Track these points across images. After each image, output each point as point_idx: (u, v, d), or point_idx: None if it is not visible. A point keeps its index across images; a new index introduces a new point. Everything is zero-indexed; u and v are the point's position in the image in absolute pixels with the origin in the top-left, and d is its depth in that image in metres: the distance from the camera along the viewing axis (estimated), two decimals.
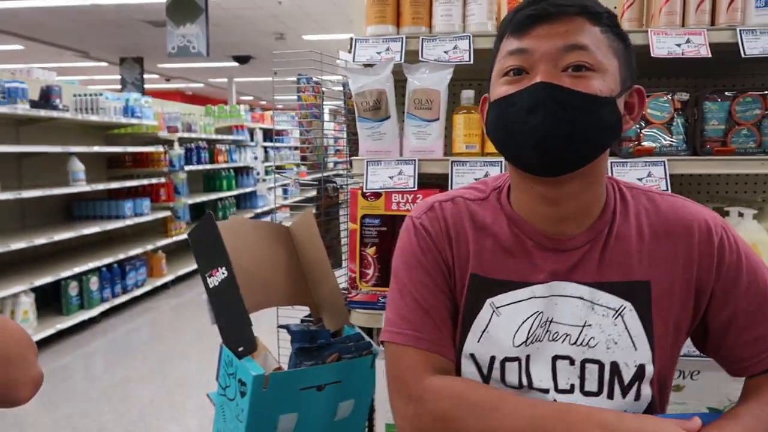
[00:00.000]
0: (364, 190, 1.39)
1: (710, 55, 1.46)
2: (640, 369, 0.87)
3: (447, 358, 0.91)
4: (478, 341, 0.90)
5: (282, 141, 10.28)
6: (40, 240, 4.57)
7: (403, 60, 1.56)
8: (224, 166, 8.21)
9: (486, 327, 0.90)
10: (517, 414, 0.80)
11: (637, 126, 1.54)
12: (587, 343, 0.87)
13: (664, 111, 1.54)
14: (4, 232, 4.77)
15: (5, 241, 4.34)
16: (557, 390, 0.88)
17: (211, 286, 1.28)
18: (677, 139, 1.53)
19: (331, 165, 2.12)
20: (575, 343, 0.88)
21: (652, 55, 1.48)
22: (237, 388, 1.20)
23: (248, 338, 1.21)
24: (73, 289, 4.95)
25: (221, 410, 1.28)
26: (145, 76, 12.41)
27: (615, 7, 1.67)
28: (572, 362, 0.88)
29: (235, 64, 12.88)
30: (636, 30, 1.56)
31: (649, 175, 1.45)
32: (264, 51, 12.13)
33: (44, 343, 4.51)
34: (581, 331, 0.87)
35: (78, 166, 5.20)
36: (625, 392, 0.87)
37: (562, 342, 0.88)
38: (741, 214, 1.52)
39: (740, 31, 1.47)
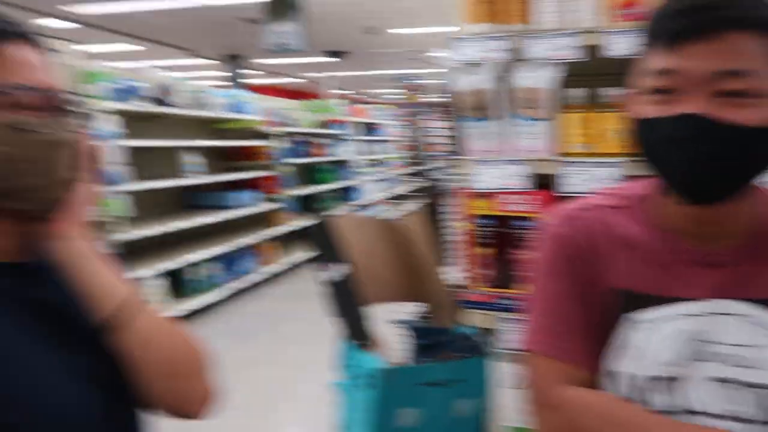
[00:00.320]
0: (474, 190, 1.42)
1: None
2: None
3: (586, 370, 0.87)
4: (620, 357, 0.85)
5: (379, 134, 10.43)
6: (162, 228, 4.91)
7: (507, 58, 1.56)
8: (323, 159, 8.46)
9: (629, 343, 0.84)
10: None
11: None
12: (751, 365, 0.79)
13: None
14: (133, 221, 5.13)
15: (136, 228, 4.69)
16: (709, 414, 0.80)
17: (329, 279, 1.36)
18: None
19: (435, 162, 2.16)
20: (737, 364, 0.80)
21: None
22: (357, 380, 1.28)
23: (367, 332, 1.28)
24: (192, 274, 5.30)
25: (342, 400, 1.37)
26: (246, 71, 13.02)
27: None
28: (731, 385, 0.80)
29: (331, 59, 13.19)
30: None
31: None
32: (357, 46, 12.32)
33: None
34: (745, 352, 0.80)
35: (194, 159, 5.55)
36: None
37: (720, 363, 0.80)
38: None
39: None
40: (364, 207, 9.88)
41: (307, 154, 7.97)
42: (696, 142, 0.72)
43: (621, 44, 1.47)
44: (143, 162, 5.20)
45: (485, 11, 1.65)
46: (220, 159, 6.71)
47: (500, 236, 1.41)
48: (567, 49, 1.55)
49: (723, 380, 0.79)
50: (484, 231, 1.42)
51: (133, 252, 5.01)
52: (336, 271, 1.33)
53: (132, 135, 4.71)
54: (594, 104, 1.74)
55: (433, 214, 1.91)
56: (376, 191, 10.68)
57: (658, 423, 0.78)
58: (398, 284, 1.50)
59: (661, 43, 0.75)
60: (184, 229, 5.33)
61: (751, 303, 0.80)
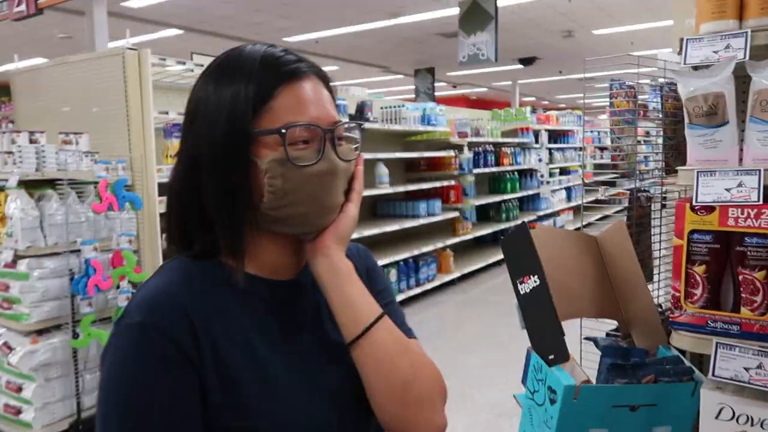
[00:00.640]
0: (694, 203, 1.27)
1: None
2: None
3: None
4: None
5: (568, 142, 10.02)
6: (355, 234, 5.28)
7: (747, 57, 1.39)
8: (509, 168, 8.37)
9: None
10: None
11: None
12: None
13: None
14: None
15: None
16: None
17: (522, 292, 1.33)
18: None
19: (642, 172, 2.00)
20: None
21: None
22: (546, 394, 1.22)
23: (560, 347, 1.22)
24: None
25: (528, 413, 1.32)
26: (436, 84, 13.39)
27: None
28: None
29: (519, 66, 12.99)
30: None
31: None
32: (549, 50, 11.98)
33: None
34: None
35: (383, 170, 5.90)
36: None
37: None
38: None
39: None
40: (547, 216, 9.54)
41: (494, 164, 7.94)
42: None
43: None
44: None
45: (721, 7, 1.48)
46: (409, 170, 7.01)
47: (721, 253, 1.24)
48: None
49: None
50: (703, 247, 1.26)
51: None
52: (529, 284, 1.30)
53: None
54: None
55: (639, 227, 1.76)
56: (562, 200, 10.26)
57: None
58: (595, 300, 1.42)
59: None
60: (371, 236, 5.65)
61: None
